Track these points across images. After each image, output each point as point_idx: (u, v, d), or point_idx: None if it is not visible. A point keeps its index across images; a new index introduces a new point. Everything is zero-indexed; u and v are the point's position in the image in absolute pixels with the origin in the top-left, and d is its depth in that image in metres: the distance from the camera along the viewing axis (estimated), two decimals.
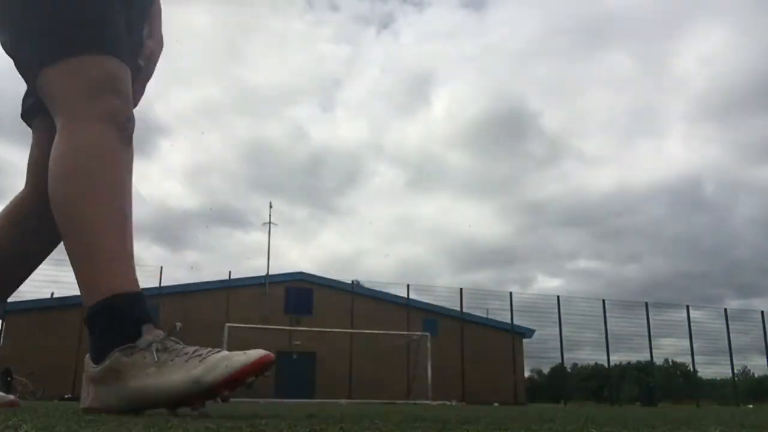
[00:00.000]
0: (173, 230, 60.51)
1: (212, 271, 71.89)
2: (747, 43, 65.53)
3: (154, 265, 54.38)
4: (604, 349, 27.30)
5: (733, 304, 67.18)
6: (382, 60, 79.33)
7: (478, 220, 67.43)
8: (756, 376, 40.49)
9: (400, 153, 68.07)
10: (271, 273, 25.92)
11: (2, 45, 1.79)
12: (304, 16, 75.10)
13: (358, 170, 70.76)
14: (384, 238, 67.42)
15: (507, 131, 69.44)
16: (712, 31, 67.72)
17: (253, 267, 67.02)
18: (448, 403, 20.78)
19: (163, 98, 67.16)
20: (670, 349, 31.92)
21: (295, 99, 74.74)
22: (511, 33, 75.45)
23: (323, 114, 76.20)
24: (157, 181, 64.04)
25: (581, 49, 73.63)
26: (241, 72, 68.82)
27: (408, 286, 27.55)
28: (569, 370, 36.22)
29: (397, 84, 74.45)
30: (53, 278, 22.90)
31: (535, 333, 29.14)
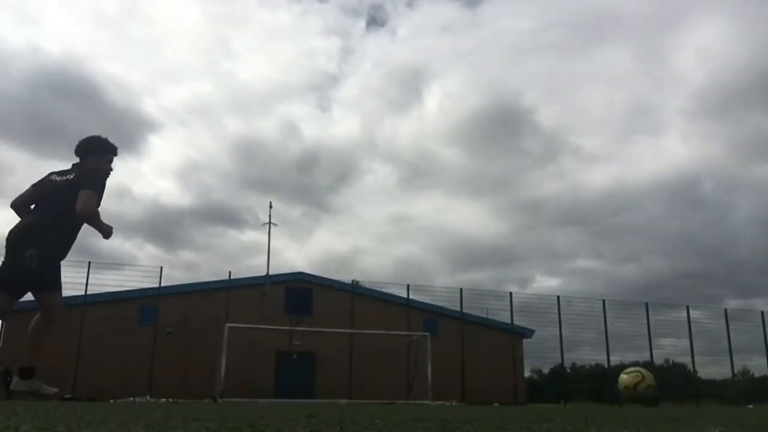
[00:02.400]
0: (166, 229, 60.24)
1: (207, 271, 71.45)
2: (747, 37, 64.92)
3: (148, 264, 54.15)
4: (604, 349, 27.30)
5: (732, 304, 67.05)
6: (373, 54, 78.76)
7: (474, 219, 67.08)
8: (756, 376, 40.47)
9: (394, 150, 67.71)
10: (270, 273, 25.93)
11: None
12: (291, 7, 74.38)
13: (351, 168, 70.21)
14: (379, 236, 67.10)
15: (503, 128, 68.95)
16: (711, 24, 67.02)
17: (248, 266, 66.71)
18: (447, 403, 20.76)
19: (152, 93, 66.63)
20: (670, 349, 31.81)
21: (285, 94, 74.34)
22: (506, 27, 74.69)
23: (314, 110, 75.76)
24: (149, 178, 63.66)
25: (577, 43, 72.82)
26: (230, 67, 68.32)
27: (408, 286, 27.56)
28: (569, 371, 36.21)
29: (389, 79, 73.63)
30: None
31: (535, 333, 29.13)
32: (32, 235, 4.63)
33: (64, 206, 4.62)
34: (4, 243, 4.69)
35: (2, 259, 4.71)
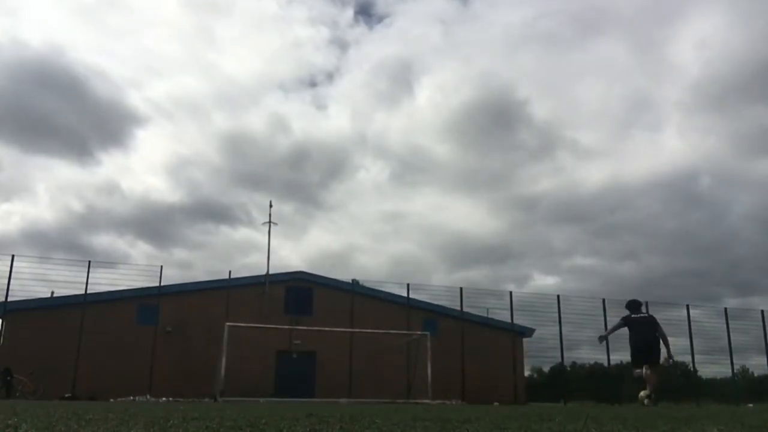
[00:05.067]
0: (158, 226, 59.47)
1: (202, 269, 70.88)
2: (745, 28, 64.11)
3: (142, 262, 53.58)
4: (604, 348, 27.27)
5: (732, 302, 66.98)
6: (362, 45, 77.68)
7: (469, 216, 66.51)
8: (756, 375, 40.40)
9: (385, 145, 67.08)
10: (270, 272, 25.92)
11: None
12: None
13: (343, 164, 69.33)
14: (374, 234, 66.50)
15: (496, 122, 68.23)
16: (709, 15, 66.25)
17: (243, 264, 66.18)
18: (447, 403, 20.77)
19: (137, 86, 65.73)
20: None
21: (272, 87, 73.39)
22: (499, 18, 73.76)
23: (303, 104, 74.88)
24: (138, 174, 62.80)
25: (572, 35, 71.87)
26: (215, 58, 67.12)
27: (408, 285, 27.54)
28: (569, 369, 36.16)
29: (379, 72, 71.78)
30: (47, 277, 22.95)
31: (535, 332, 29.11)
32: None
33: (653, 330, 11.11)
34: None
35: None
